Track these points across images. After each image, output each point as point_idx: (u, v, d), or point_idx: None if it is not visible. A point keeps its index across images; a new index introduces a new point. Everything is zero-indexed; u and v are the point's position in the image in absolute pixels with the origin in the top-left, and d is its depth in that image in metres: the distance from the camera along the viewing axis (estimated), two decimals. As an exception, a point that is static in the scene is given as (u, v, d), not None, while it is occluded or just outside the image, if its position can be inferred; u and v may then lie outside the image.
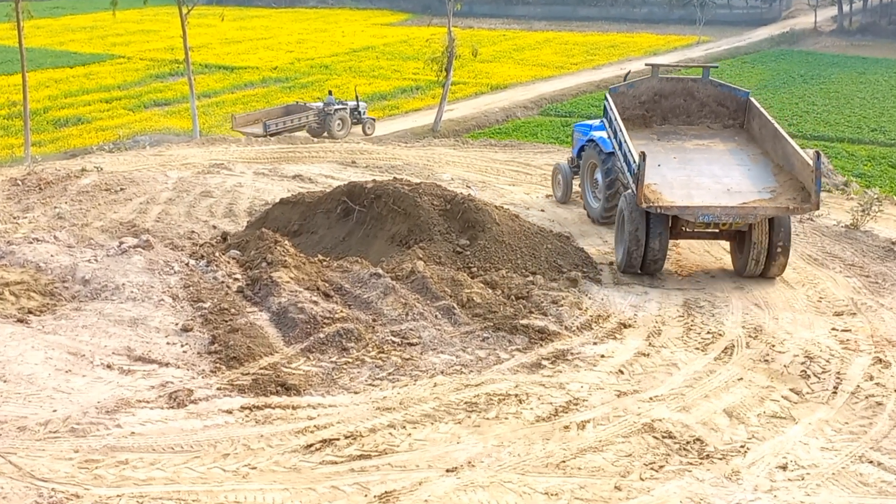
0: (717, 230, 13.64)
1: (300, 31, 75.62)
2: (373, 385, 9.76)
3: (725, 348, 11.10)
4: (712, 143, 15.21)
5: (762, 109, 15.55)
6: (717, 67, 16.82)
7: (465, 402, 9.38)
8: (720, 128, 15.67)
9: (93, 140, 36.89)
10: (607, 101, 15.41)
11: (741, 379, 10.25)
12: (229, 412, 8.93)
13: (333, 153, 26.22)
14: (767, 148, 14.62)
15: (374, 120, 37.32)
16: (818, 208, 13.23)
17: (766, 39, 65.23)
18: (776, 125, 14.79)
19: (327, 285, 11.82)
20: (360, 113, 36.78)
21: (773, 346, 11.16)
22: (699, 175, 13.93)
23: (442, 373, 10.11)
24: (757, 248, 13.32)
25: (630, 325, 11.71)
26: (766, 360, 10.74)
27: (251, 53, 63.25)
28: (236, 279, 12.18)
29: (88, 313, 10.75)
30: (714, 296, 12.91)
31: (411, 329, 10.95)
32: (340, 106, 36.07)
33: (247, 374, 9.68)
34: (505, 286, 12.34)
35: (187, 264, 12.47)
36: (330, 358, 10.23)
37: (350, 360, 10.22)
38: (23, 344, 9.83)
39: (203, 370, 9.78)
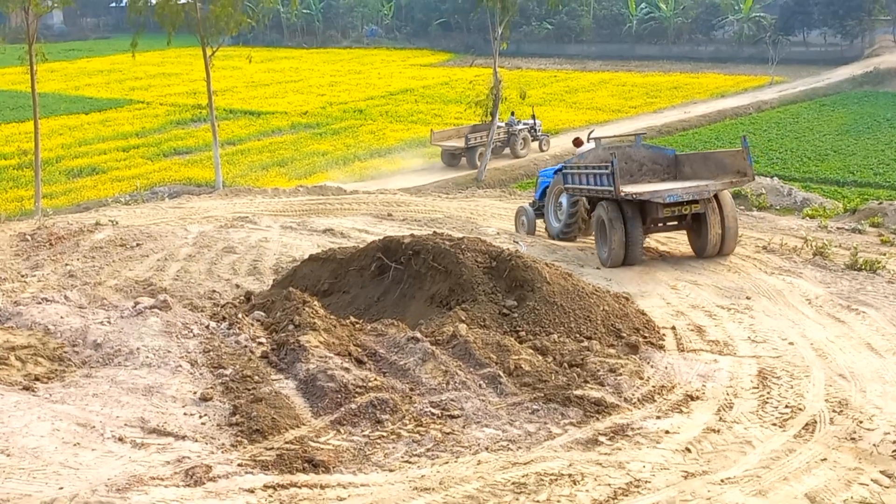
0: (682, 216, 18.47)
1: (332, 74, 76.92)
2: (409, 462, 9.69)
3: (806, 424, 10.88)
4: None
5: (687, 153, 21.34)
6: (645, 134, 22.03)
7: (513, 483, 9.27)
8: (659, 180, 20.08)
9: (108, 192, 37.65)
10: (564, 169, 20.85)
11: (825, 459, 10.03)
12: (251, 491, 8.91)
13: (367, 205, 26.49)
14: (702, 175, 19.26)
15: (548, 137, 44.75)
16: (753, 179, 19.78)
17: (847, 80, 64.95)
18: (703, 152, 20.80)
19: (360, 350, 11.83)
20: (536, 131, 44.04)
21: (861, 422, 10.92)
22: (657, 188, 18.96)
23: (486, 449, 10.02)
24: (713, 230, 18.33)
25: (698, 398, 11.54)
26: (853, 439, 10.51)
27: (279, 97, 64.42)
28: (260, 343, 12.25)
29: (100, 380, 10.85)
30: (793, 365, 12.71)
31: (452, 400, 10.90)
32: (523, 125, 43.38)
33: (271, 449, 9.67)
34: (557, 352, 12.27)
35: (207, 327, 12.58)
36: (362, 431, 10.20)
37: (385, 434, 10.18)
38: (28, 414, 9.93)
39: (223, 444, 9.80)
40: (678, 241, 20.22)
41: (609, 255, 18.17)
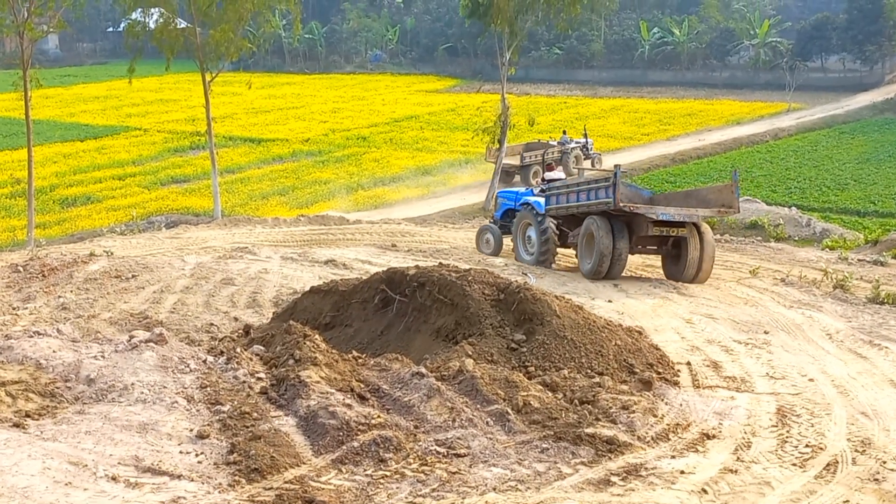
0: (666, 238, 20.25)
1: (335, 100, 77.32)
2: (414, 503, 9.66)
3: (828, 465, 10.82)
4: None
5: (666, 192, 24.02)
6: (625, 172, 24.38)
7: (522, 525, 9.22)
8: None
9: (103, 221, 37.80)
10: (549, 187, 23.05)
11: (847, 501, 9.96)
12: (249, 533, 8.87)
13: (371, 235, 26.55)
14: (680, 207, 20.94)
15: (600, 155, 47.40)
16: (738, 211, 21.91)
17: (867, 107, 65.21)
18: (684, 190, 23.07)
19: (363, 386, 11.81)
20: (588, 149, 46.58)
21: (885, 462, 10.86)
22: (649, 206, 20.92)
23: (494, 489, 9.97)
24: (693, 255, 20.05)
25: (714, 436, 11.48)
26: (877, 479, 10.44)
27: (280, 124, 64.74)
28: (259, 379, 12.24)
29: (93, 417, 10.84)
30: (813, 402, 12.66)
31: (459, 438, 10.86)
32: (575, 144, 45.90)
33: (269, 489, 9.64)
34: (567, 388, 12.23)
35: (205, 361, 12.58)
36: (365, 470, 10.16)
37: (388, 474, 10.14)
38: (18, 452, 9.91)
39: (220, 484, 9.77)
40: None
41: (594, 267, 20.04)
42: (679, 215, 19.98)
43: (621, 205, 19.65)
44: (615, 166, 20.57)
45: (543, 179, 25.25)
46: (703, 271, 20.25)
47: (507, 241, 24.20)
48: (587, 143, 47.23)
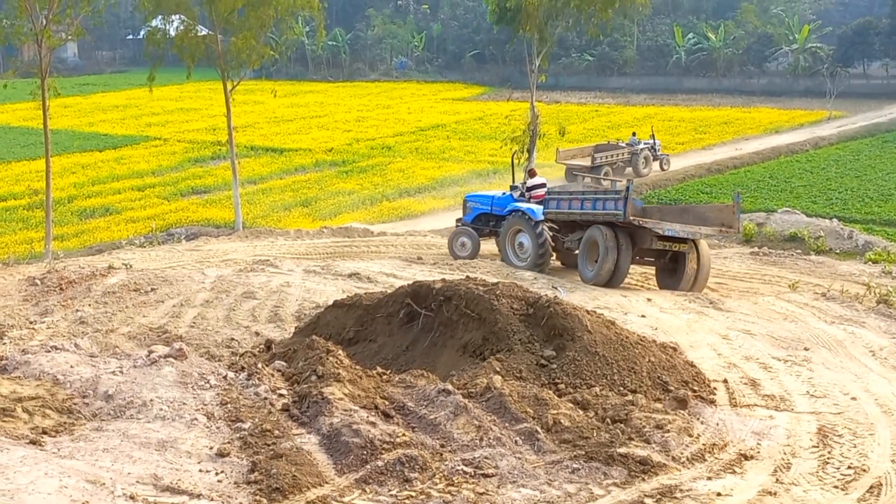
0: (666, 252, 21.61)
1: (359, 108, 77.58)
2: (440, 525, 9.65)
3: (871, 487, 10.72)
4: None
5: (660, 205, 25.64)
6: (621, 181, 25.49)
7: (552, 548, 9.20)
8: None
9: (122, 233, 38.07)
10: (549, 193, 24.86)
11: (892, 525, 9.87)
12: (270, 554, 8.89)
13: (396, 248, 26.61)
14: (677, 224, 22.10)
15: (668, 157, 49.86)
16: (739, 232, 24.14)
17: (912, 114, 64.52)
18: (681, 205, 25.38)
19: (387, 403, 11.83)
20: (656, 150, 48.82)
21: (932, 484, 10.76)
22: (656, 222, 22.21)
23: (523, 511, 9.96)
24: (690, 267, 21.47)
25: (752, 457, 11.41)
26: (923, 503, 10.34)
27: (303, 133, 65.00)
28: (281, 395, 12.28)
29: (111, 434, 10.90)
30: (855, 422, 12.55)
31: (486, 457, 10.85)
32: (644, 145, 48.08)
33: (291, 509, 9.66)
34: (599, 407, 12.20)
35: (225, 377, 12.63)
36: (389, 490, 10.17)
37: (413, 494, 10.14)
38: (35, 470, 9.98)
39: (240, 503, 9.80)
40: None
41: (597, 274, 21.35)
42: (684, 232, 21.35)
43: (631, 219, 21.05)
44: (627, 181, 21.80)
45: (524, 184, 26.27)
46: (698, 284, 21.66)
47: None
48: (655, 143, 49.09)
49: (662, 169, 49.26)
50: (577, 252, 23.12)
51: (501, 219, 25.69)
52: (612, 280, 21.40)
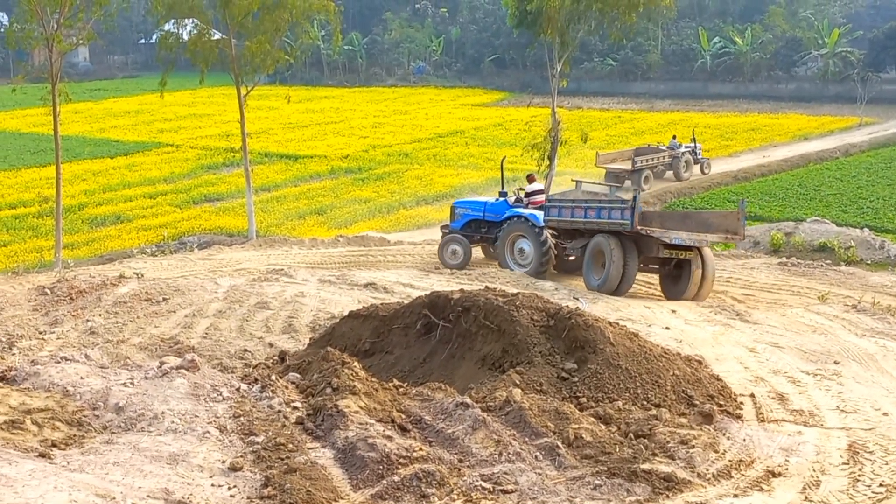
0: (669, 259, 22.12)
1: (376, 114, 77.76)
2: (458, 542, 9.64)
3: (904, 505, 10.66)
4: None
5: (660, 210, 25.51)
6: (619, 186, 27.66)
7: (573, 567, 9.17)
8: None
9: (133, 242, 38.24)
10: (550, 200, 25.21)
11: (925, 545, 9.80)
12: (283, 571, 8.90)
13: (413, 257, 26.65)
14: (678, 230, 22.61)
15: (709, 160, 50.57)
16: (744, 238, 24.44)
17: (945, 120, 64.27)
18: (684, 211, 26.23)
19: (404, 417, 11.84)
20: (696, 154, 49.45)
21: (967, 503, 10.68)
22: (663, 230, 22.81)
23: (543, 528, 9.94)
24: (696, 275, 21.98)
25: (780, 474, 11.35)
26: (958, 522, 10.27)
27: (318, 140, 65.19)
28: (295, 408, 12.30)
29: (121, 447, 10.95)
30: (887, 438, 12.48)
31: (505, 472, 10.84)
32: (685, 148, 48.81)
33: (305, 525, 9.67)
34: (621, 421, 12.17)
35: (238, 389, 12.67)
36: (406, 507, 10.17)
37: (430, 511, 10.14)
38: (44, 483, 10.03)
39: (253, 519, 9.82)
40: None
41: (604, 282, 21.89)
42: (690, 240, 21.94)
43: (639, 229, 21.59)
44: (634, 191, 22.98)
45: (520, 189, 26.81)
46: (703, 290, 22.28)
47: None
48: (696, 147, 49.79)
49: (703, 173, 49.83)
50: (572, 258, 24.44)
51: (494, 225, 26.16)
52: (619, 288, 21.97)
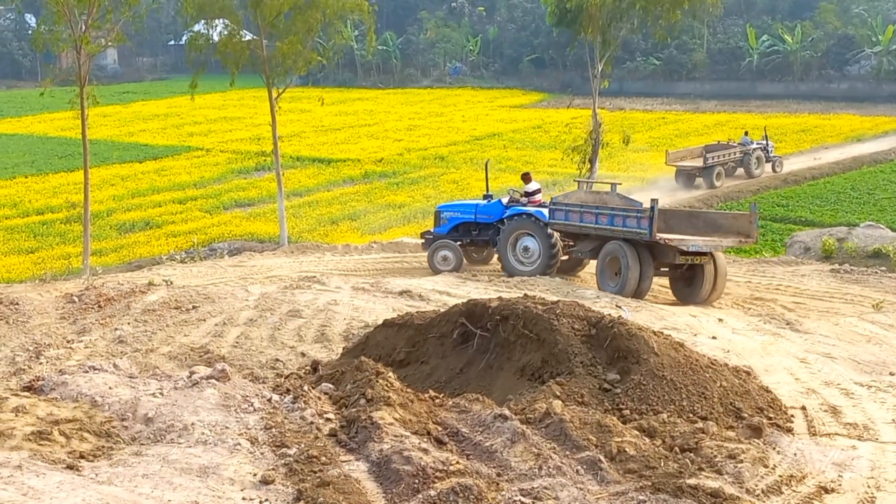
0: (681, 264, 22.45)
1: (411, 116, 77.92)
2: (496, 559, 9.62)
3: (963, 523, 10.53)
4: None
5: (665, 208, 24.51)
6: (619, 184, 26.57)
7: (616, 586, 9.13)
8: None
9: (162, 248, 38.54)
10: (555, 203, 24.77)
11: None
12: (316, 588, 8.92)
13: (449, 264, 26.60)
14: (681, 230, 23.30)
15: (781, 158, 51.36)
16: (756, 241, 25.41)
17: None
18: (688, 209, 29.79)
19: (440, 429, 11.83)
20: (768, 151, 50.30)
21: None
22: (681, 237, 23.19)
23: (585, 546, 9.91)
24: (707, 279, 22.38)
25: (833, 490, 11.25)
26: None
27: (352, 143, 65.36)
28: (328, 420, 12.33)
29: (150, 459, 11.02)
30: (946, 453, 12.34)
31: (545, 487, 10.81)
32: (756, 145, 49.65)
33: (339, 541, 9.69)
34: (666, 434, 12.11)
35: (269, 400, 12.72)
36: (442, 522, 10.17)
37: (468, 526, 10.13)
38: (72, 496, 10.11)
39: (285, 533, 9.85)
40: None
41: (622, 288, 22.10)
42: (707, 246, 22.34)
43: (658, 237, 21.94)
44: (652, 200, 22.51)
45: (514, 190, 27.01)
46: (716, 292, 22.68)
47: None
48: (768, 144, 50.43)
49: (775, 171, 50.28)
50: (568, 259, 25.00)
51: (487, 227, 26.23)
52: (637, 292, 22.31)
